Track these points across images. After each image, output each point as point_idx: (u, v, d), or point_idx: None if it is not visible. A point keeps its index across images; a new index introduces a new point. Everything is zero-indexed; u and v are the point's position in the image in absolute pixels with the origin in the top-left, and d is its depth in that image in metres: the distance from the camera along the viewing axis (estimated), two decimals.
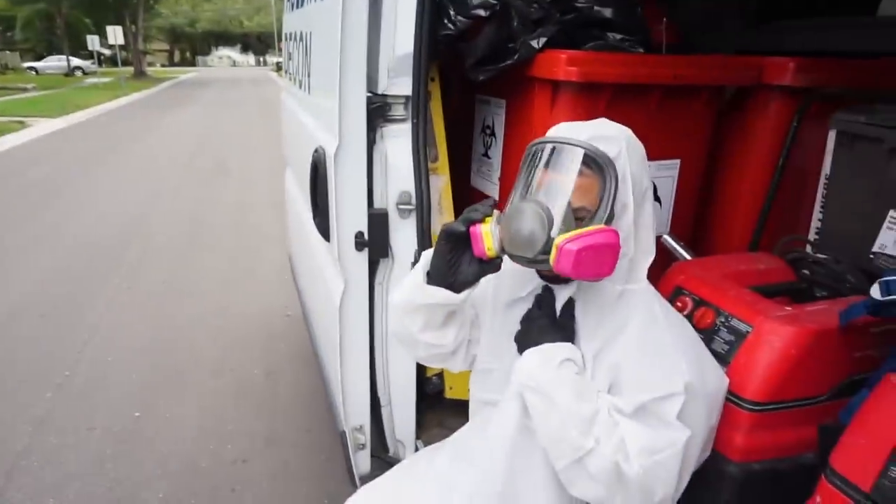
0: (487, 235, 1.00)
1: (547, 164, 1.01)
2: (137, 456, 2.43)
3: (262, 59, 62.50)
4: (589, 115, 1.15)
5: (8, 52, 37.62)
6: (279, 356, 3.21)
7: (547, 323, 1.06)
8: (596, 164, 0.99)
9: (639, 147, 1.07)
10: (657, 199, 1.82)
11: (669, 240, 1.68)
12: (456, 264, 1.05)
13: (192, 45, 62.78)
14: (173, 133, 12.07)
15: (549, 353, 1.02)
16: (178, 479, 2.31)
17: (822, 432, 1.10)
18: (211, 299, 3.93)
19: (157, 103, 18.81)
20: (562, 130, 1.05)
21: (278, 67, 39.47)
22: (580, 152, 0.99)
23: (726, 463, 1.14)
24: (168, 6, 47.24)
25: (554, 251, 0.94)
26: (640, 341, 1.02)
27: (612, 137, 1.02)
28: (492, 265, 1.05)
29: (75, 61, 35.00)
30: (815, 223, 1.71)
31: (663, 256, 1.49)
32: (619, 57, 1.68)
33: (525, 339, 1.07)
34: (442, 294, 1.06)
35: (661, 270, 1.43)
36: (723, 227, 2.01)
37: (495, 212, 1.03)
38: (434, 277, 1.07)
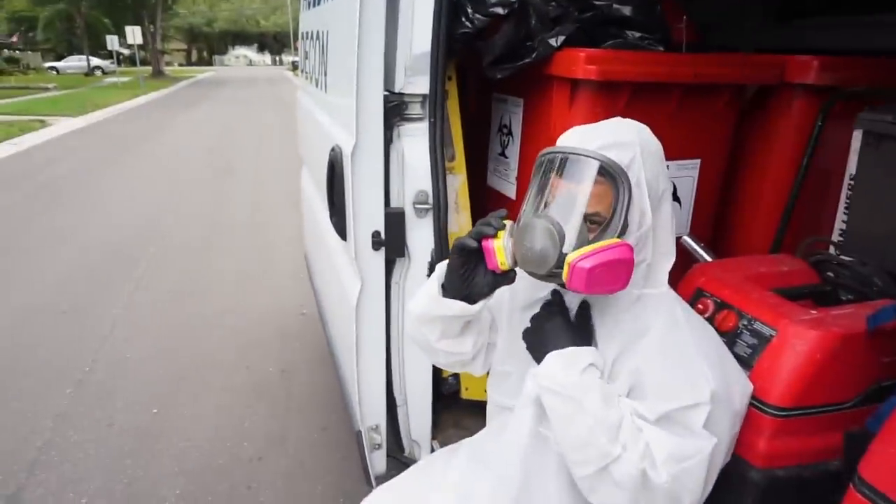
0: (500, 250, 0.99)
1: (558, 176, 1.00)
2: (155, 452, 2.45)
3: (278, 58, 62.89)
4: (607, 114, 1.13)
5: (30, 52, 38.23)
6: (294, 355, 3.22)
7: (562, 323, 1.04)
8: (608, 173, 0.97)
9: (655, 148, 1.05)
10: (677, 199, 1.79)
11: (689, 241, 1.66)
12: (470, 277, 1.05)
13: (209, 45, 63.28)
14: (190, 132, 12.17)
15: (574, 356, 1.00)
16: (195, 477, 2.32)
17: (849, 439, 1.08)
18: (227, 298, 3.95)
19: (174, 102, 18.99)
20: (573, 137, 1.03)
21: (294, 66, 39.65)
22: (592, 163, 0.97)
23: (749, 469, 1.12)
24: (186, 6, 47.66)
25: (566, 269, 0.93)
26: (663, 347, 1.00)
27: (626, 143, 0.99)
28: (506, 277, 1.04)
29: (95, 61, 35.51)
30: (839, 224, 1.68)
31: (683, 258, 1.47)
32: (639, 55, 1.66)
33: (537, 339, 1.06)
34: (457, 306, 1.06)
35: (681, 272, 1.41)
36: (744, 228, 1.98)
37: (508, 223, 1.02)
38: (449, 290, 1.07)
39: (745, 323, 1.21)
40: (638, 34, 1.72)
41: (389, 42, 1.46)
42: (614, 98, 1.60)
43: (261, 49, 66.31)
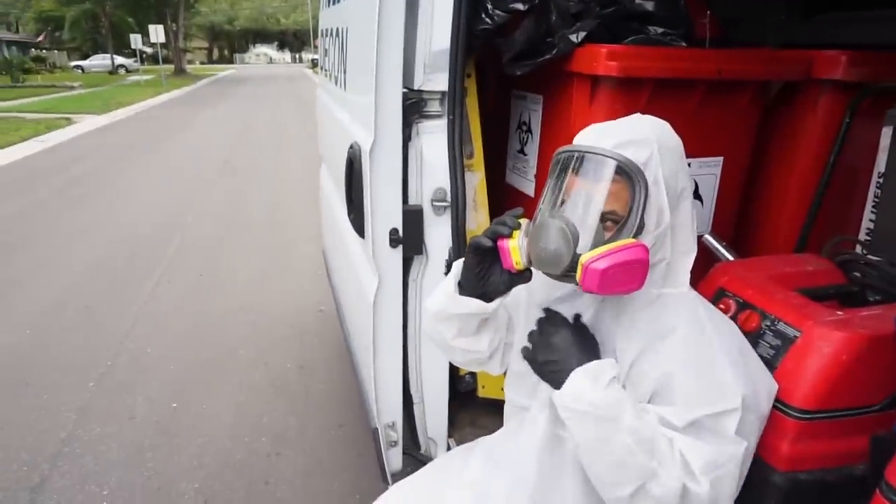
0: (515, 250, 0.99)
1: (574, 175, 0.98)
2: (175, 446, 2.48)
3: (297, 55, 63.26)
4: (628, 111, 1.11)
5: (56, 51, 38.95)
6: (312, 351, 3.24)
7: (571, 337, 1.02)
8: (624, 171, 0.95)
9: (674, 145, 1.03)
10: (698, 197, 1.76)
11: (711, 240, 1.63)
12: (486, 276, 1.04)
13: (230, 43, 63.95)
14: (210, 129, 12.30)
15: (598, 371, 0.97)
16: (213, 471, 2.35)
17: (876, 444, 1.05)
18: (246, 294, 3.99)
19: (195, 100, 19.20)
20: (590, 135, 1.02)
21: (314, 64, 39.93)
22: (607, 162, 0.96)
23: (771, 472, 1.10)
24: (208, 4, 48.22)
25: (580, 269, 0.92)
26: (688, 349, 0.98)
27: (643, 140, 0.97)
28: (522, 276, 1.04)
29: (119, 60, 36.12)
30: (866, 223, 1.64)
31: (705, 257, 1.45)
32: (661, 51, 1.63)
33: (549, 359, 1.02)
34: (473, 304, 1.06)
35: (702, 272, 1.39)
36: (768, 226, 1.94)
37: (524, 222, 1.01)
38: (465, 288, 1.07)
39: (769, 324, 1.19)
40: (660, 30, 1.70)
41: (408, 39, 1.45)
42: (635, 95, 1.58)
43: (281, 47, 66.84)
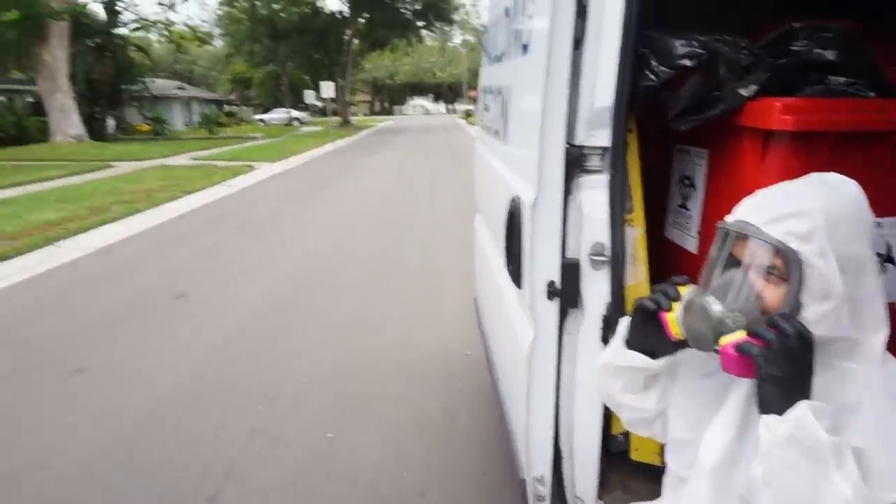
0: (673, 323, 1.01)
1: (725, 252, 0.98)
2: (330, 474, 2.64)
3: (451, 106, 66.28)
4: (805, 169, 1.05)
5: (244, 107, 44.47)
6: (457, 394, 3.30)
7: (807, 372, 0.90)
8: (778, 250, 0.92)
9: (850, 211, 0.94)
10: (890, 260, 1.59)
11: None
12: (651, 335, 1.05)
13: (390, 95, 68.68)
14: (369, 176, 13.24)
15: (824, 413, 0.86)
16: (362, 502, 2.45)
17: None
18: (396, 334, 4.18)
19: (357, 149, 20.83)
20: (745, 209, 0.99)
21: (467, 115, 41.64)
22: (756, 242, 0.94)
23: None
24: (371, 61, 52.37)
25: (720, 351, 0.92)
26: (883, 428, 0.89)
27: (804, 212, 0.91)
28: (686, 343, 1.02)
29: (294, 113, 40.42)
30: None
31: None
32: (846, 103, 1.53)
33: (781, 370, 0.87)
34: (639, 359, 1.08)
35: None
36: None
37: (686, 292, 1.00)
38: (632, 343, 1.09)
39: None
40: (843, 79, 1.59)
41: (572, 96, 1.49)
42: (814, 150, 1.48)
43: (436, 98, 70.48)
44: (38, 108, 22.24)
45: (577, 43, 1.46)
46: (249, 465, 2.71)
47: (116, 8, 24.67)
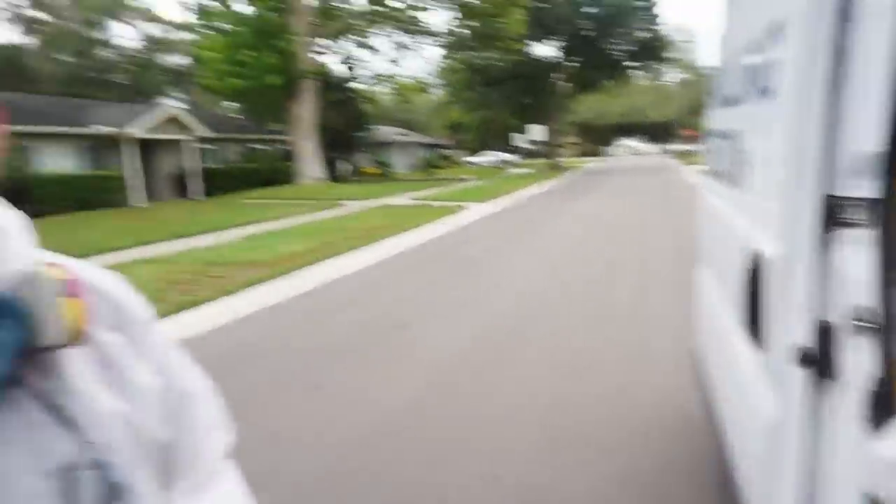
0: None
1: None
2: None
3: (665, 146, 63.52)
4: None
5: (457, 150, 47.51)
6: (669, 449, 3.08)
7: None
8: None
9: None
10: None
11: None
12: None
13: (599, 136, 67.97)
14: (576, 220, 13.19)
15: None
16: None
17: None
18: (607, 380, 4.06)
19: (564, 190, 20.94)
20: None
21: (682, 155, 39.60)
22: None
23: None
24: (582, 102, 52.53)
25: None
26: None
27: None
28: None
29: (502, 155, 42.05)
30: None
31: None
32: None
33: None
34: None
35: None
36: None
37: None
38: None
39: None
40: None
41: (829, 142, 1.36)
42: None
43: (647, 138, 68.06)
44: (287, 154, 25.99)
45: (836, 85, 1.32)
46: (462, 494, 2.80)
47: (351, 65, 28.21)
